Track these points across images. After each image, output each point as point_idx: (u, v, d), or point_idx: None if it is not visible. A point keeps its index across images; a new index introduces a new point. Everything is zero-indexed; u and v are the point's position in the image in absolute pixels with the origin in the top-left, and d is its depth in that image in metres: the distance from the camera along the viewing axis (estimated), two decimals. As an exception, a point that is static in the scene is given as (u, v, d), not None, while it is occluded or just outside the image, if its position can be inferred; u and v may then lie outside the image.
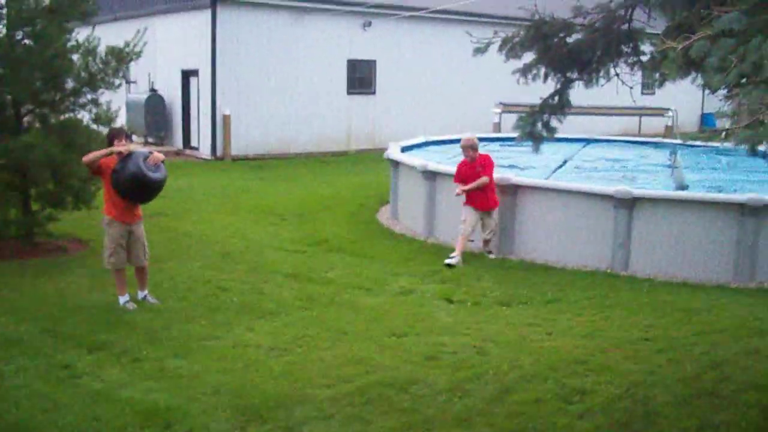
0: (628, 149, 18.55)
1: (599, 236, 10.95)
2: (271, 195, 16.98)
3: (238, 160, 23.30)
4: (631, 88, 7.40)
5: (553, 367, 7.02)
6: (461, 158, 11.62)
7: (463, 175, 11.54)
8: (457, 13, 26.24)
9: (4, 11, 11.03)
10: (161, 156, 8.74)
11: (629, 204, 10.64)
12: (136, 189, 8.52)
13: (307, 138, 25.01)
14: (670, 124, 26.60)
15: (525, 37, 6.89)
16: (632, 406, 6.26)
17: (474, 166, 11.47)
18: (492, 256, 11.54)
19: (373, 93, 26.52)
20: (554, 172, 13.84)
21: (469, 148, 11.49)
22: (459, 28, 23.60)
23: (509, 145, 15.58)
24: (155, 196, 8.82)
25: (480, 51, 7.11)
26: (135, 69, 23.88)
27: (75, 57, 11.44)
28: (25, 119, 11.65)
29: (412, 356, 7.29)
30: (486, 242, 11.69)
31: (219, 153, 23.43)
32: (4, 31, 11.12)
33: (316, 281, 10.05)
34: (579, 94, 7.57)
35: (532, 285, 9.94)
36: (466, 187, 11.35)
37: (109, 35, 14.45)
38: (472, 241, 11.61)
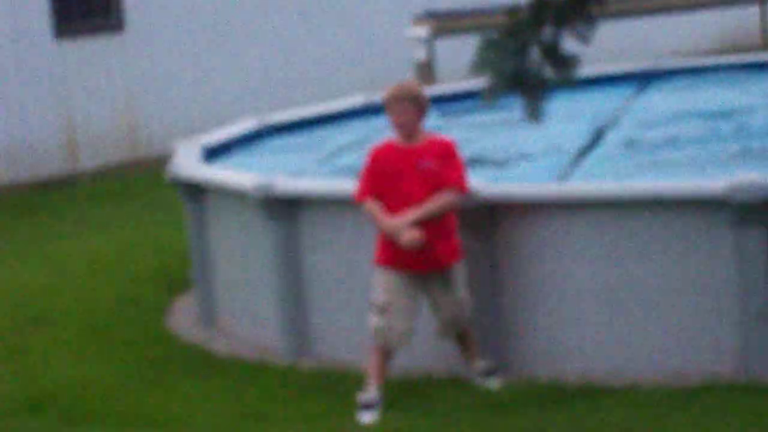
0: (738, 84, 12.76)
1: (704, 297, 7.34)
2: None
3: None
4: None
5: None
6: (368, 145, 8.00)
7: (382, 177, 7.11)
8: None
9: None
10: None
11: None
12: None
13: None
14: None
15: None
16: None
17: (412, 156, 7.12)
18: (494, 385, 7.32)
19: (119, 30, 18.03)
20: (579, 158, 9.70)
21: (407, 101, 7.14)
22: None
23: (462, 112, 11.66)
24: None
25: None
26: None
27: None
28: None
29: None
30: (466, 350, 7.45)
31: None
32: None
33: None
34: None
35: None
36: (416, 216, 6.88)
37: None
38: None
